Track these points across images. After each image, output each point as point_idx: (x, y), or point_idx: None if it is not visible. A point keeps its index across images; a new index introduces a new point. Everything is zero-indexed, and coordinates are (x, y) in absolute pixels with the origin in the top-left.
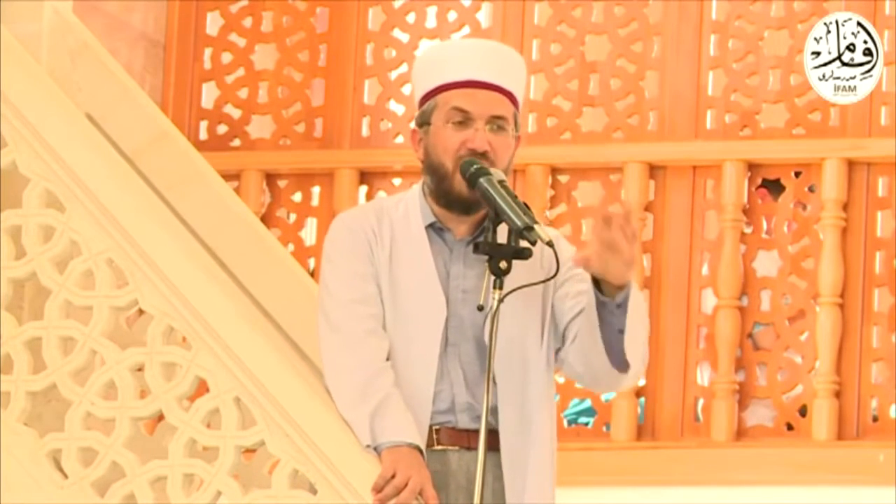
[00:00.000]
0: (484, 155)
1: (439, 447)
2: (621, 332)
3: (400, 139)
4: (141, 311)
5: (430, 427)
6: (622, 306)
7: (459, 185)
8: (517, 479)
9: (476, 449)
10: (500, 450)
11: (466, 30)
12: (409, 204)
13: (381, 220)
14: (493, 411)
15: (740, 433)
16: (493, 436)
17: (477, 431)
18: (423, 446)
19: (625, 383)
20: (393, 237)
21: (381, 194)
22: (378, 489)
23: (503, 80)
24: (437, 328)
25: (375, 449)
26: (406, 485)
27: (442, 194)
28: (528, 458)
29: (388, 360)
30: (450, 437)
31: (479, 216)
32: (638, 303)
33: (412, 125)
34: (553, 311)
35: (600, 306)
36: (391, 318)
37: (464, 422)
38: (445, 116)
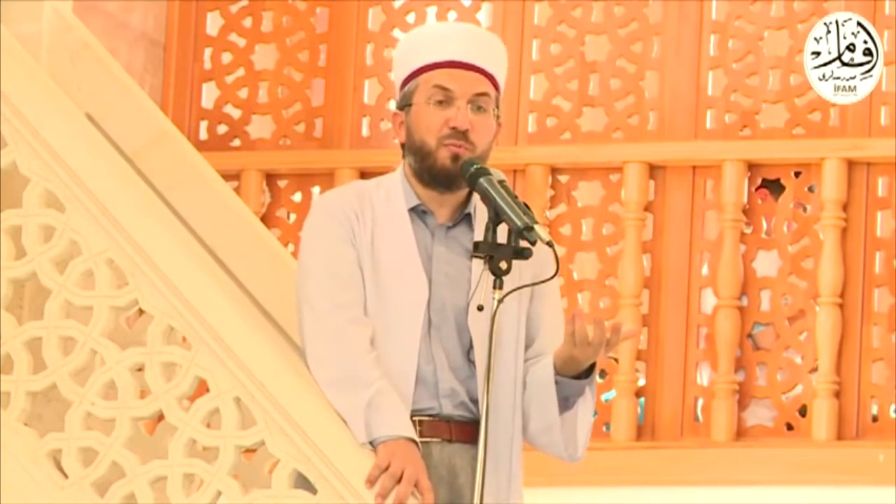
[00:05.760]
0: (465, 134)
1: (421, 439)
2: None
3: None
4: (141, 311)
5: (412, 418)
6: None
7: (443, 159)
8: (489, 474)
9: (457, 441)
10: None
11: None
12: (391, 186)
13: (362, 201)
14: (474, 402)
15: (740, 433)
16: (473, 427)
17: (459, 422)
18: (417, 438)
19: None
20: (374, 218)
21: None
22: (372, 480)
23: (484, 63)
24: (420, 309)
25: (371, 443)
26: (401, 474)
27: (425, 171)
28: (498, 452)
29: (372, 346)
30: (432, 428)
31: (459, 198)
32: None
33: (391, 107)
34: (528, 317)
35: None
36: (373, 299)
37: (447, 408)
38: (427, 95)
